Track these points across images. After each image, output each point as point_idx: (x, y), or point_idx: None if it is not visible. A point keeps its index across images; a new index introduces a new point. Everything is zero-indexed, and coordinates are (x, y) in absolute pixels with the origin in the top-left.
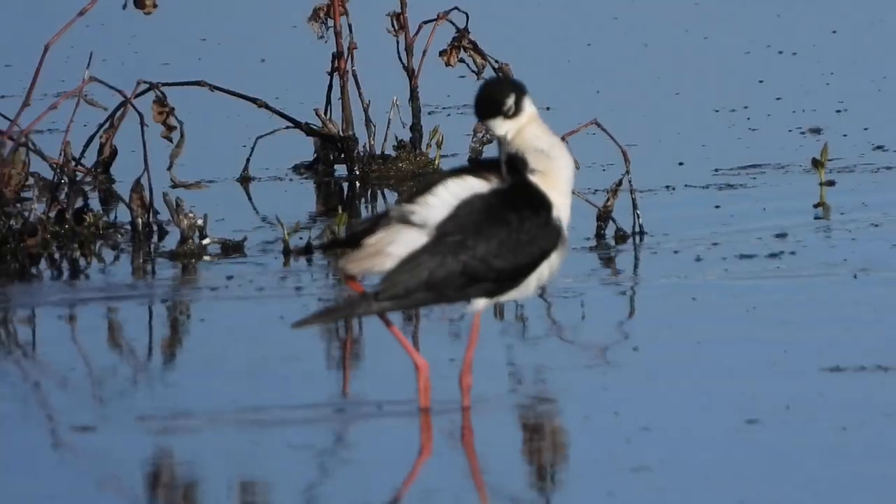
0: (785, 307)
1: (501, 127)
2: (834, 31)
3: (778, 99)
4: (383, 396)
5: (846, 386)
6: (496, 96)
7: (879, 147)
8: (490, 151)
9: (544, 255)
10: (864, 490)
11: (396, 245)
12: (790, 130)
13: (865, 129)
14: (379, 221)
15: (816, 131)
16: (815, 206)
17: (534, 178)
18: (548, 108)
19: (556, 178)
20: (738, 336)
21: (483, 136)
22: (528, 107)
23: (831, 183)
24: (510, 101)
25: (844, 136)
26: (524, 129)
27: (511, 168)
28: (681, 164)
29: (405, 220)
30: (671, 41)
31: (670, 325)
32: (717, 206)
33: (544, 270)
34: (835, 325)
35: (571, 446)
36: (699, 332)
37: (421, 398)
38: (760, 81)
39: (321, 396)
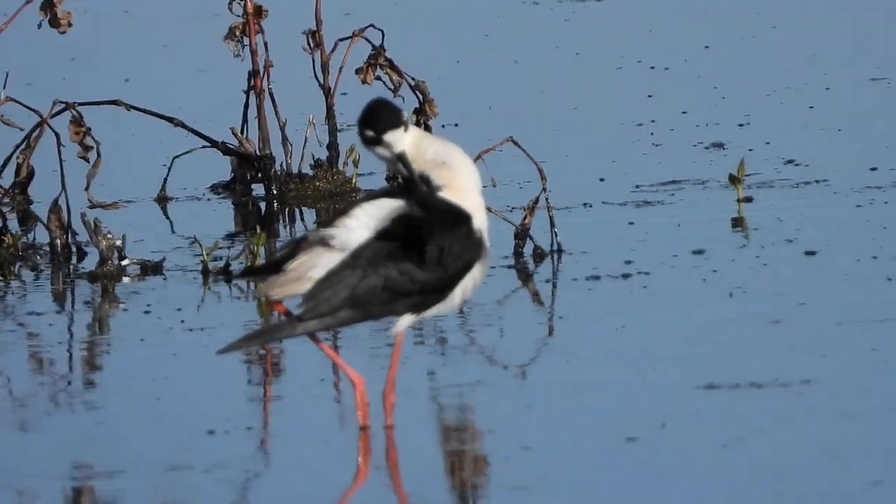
0: (653, 324)
1: (402, 141)
2: (706, 47)
3: (684, 113)
4: (307, 419)
5: (722, 403)
6: (392, 107)
7: (790, 161)
8: None
9: (468, 267)
10: None
11: (318, 269)
12: (695, 145)
13: (767, 143)
14: (299, 246)
15: (719, 146)
16: (733, 223)
17: (444, 195)
18: (456, 125)
19: (462, 187)
20: (609, 353)
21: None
22: (410, 121)
23: (749, 199)
24: (405, 112)
25: (750, 150)
26: (415, 145)
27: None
28: (601, 180)
29: (325, 244)
30: (543, 58)
31: (545, 343)
32: (632, 223)
33: (468, 283)
34: (707, 342)
35: (450, 464)
36: (569, 350)
37: (359, 415)
38: (649, 96)
39: (241, 417)
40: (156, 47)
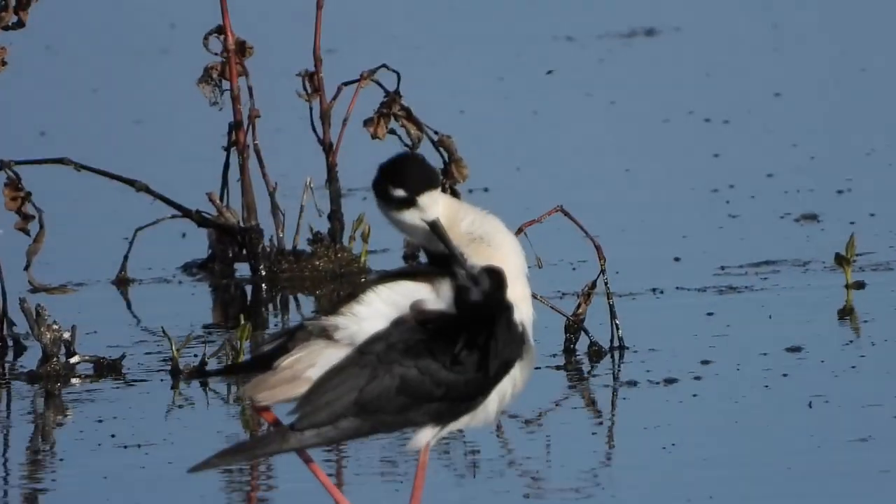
0: (717, 440)
1: (436, 206)
2: (777, 94)
3: (769, 176)
4: None
5: None
6: (426, 163)
7: None
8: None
9: (506, 368)
10: None
11: (318, 369)
12: (782, 217)
13: (872, 214)
14: (294, 337)
15: (812, 218)
16: (839, 314)
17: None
18: (486, 190)
19: (504, 270)
20: (670, 478)
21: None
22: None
23: (860, 285)
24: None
25: (851, 223)
26: (449, 215)
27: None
28: (677, 259)
29: (327, 337)
30: (569, 107)
31: (602, 462)
32: (711, 314)
33: (507, 388)
34: (781, 464)
35: None
36: (629, 472)
37: None
38: (716, 155)
39: None
40: (84, 91)
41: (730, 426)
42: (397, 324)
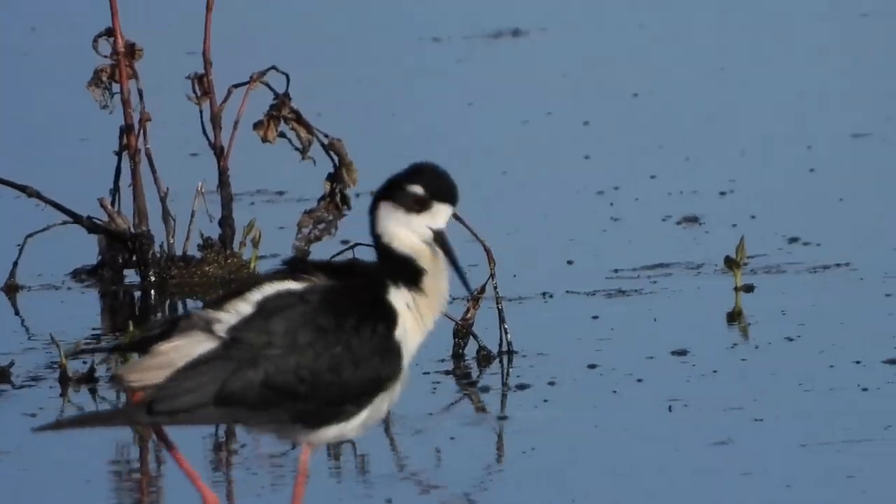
0: (614, 448)
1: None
2: (635, 95)
3: (652, 177)
4: None
5: None
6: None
7: (795, 239)
8: (320, 250)
9: (377, 382)
10: None
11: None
12: (664, 219)
13: (753, 216)
14: (178, 324)
15: (693, 220)
16: (728, 317)
17: (406, 294)
18: (371, 194)
19: (435, 303)
20: (558, 484)
21: (312, 233)
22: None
23: (749, 288)
24: None
25: (734, 226)
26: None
27: (378, 273)
28: (570, 262)
29: (209, 331)
30: (427, 109)
31: (491, 469)
32: (595, 317)
33: (384, 403)
34: (641, 470)
35: None
36: (518, 478)
37: None
38: (587, 157)
39: None
40: None
41: (589, 431)
42: (266, 317)
